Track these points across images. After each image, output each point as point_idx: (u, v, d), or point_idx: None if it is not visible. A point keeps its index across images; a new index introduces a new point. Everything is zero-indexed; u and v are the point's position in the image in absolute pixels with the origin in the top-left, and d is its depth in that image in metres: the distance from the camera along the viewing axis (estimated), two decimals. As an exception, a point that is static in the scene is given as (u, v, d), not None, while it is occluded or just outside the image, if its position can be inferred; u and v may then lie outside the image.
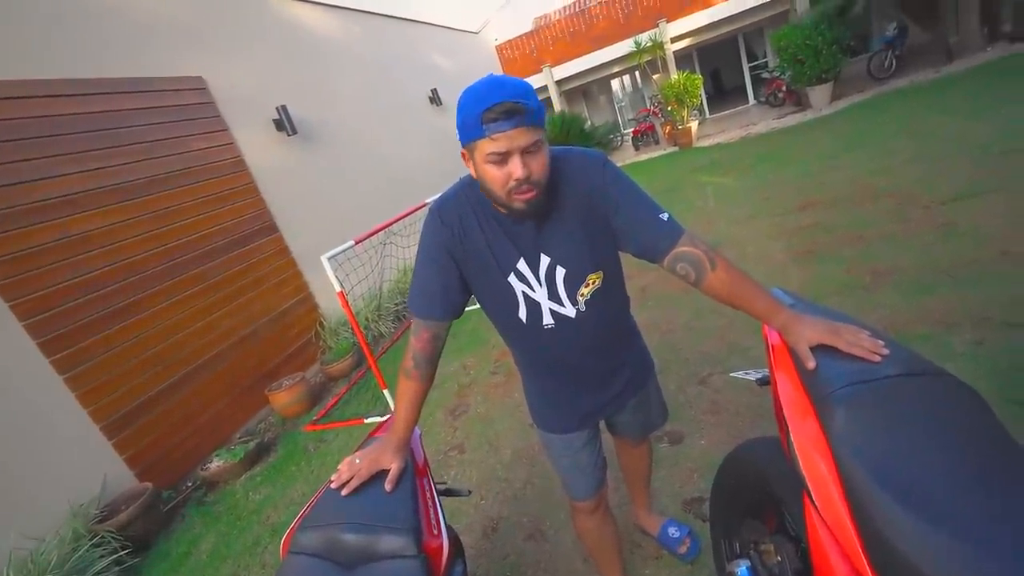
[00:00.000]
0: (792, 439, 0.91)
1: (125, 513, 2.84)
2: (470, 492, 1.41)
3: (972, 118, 5.41)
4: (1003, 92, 5.95)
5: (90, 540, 2.68)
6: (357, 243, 3.35)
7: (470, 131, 0.95)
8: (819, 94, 9.43)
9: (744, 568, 1.06)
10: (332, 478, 1.13)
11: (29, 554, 2.52)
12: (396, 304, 5.49)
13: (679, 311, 3.39)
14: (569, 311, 1.14)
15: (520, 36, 13.71)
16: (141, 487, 3.11)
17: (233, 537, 2.74)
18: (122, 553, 2.69)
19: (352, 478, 1.11)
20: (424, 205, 4.56)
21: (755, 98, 13.24)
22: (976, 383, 0.86)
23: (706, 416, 2.34)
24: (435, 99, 8.42)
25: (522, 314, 1.16)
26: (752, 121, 10.76)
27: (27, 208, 3.00)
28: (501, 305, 1.18)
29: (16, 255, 2.91)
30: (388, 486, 1.10)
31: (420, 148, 7.65)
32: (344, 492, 1.10)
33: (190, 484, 3.47)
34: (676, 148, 10.72)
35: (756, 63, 13.26)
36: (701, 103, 12.95)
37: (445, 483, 1.34)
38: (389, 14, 7.66)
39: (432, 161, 7.73)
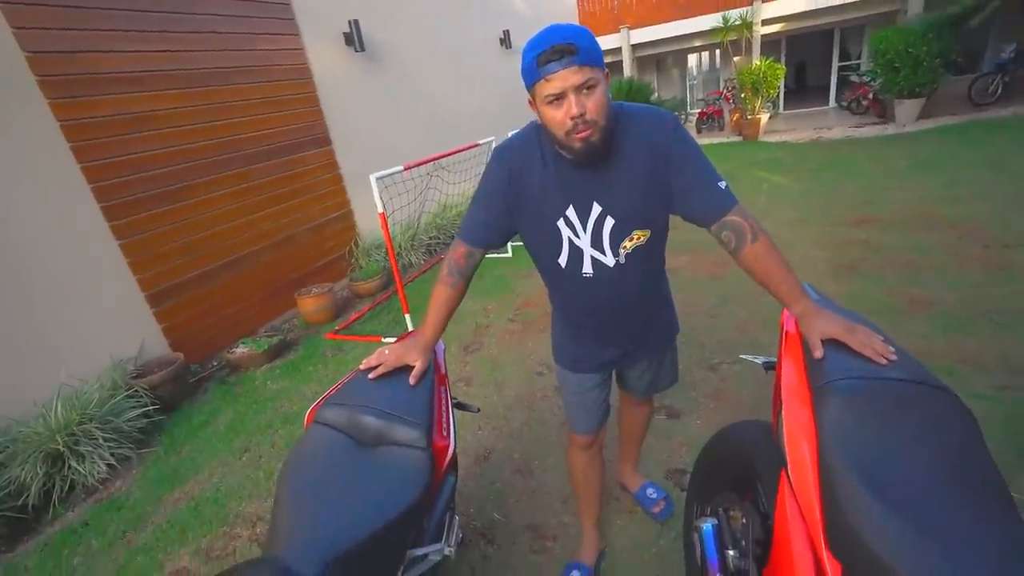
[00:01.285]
0: (783, 419, 0.97)
1: (158, 375, 3.11)
2: (479, 409, 1.53)
3: (1066, 164, 5.04)
4: (1109, 142, 5.49)
5: (125, 391, 2.96)
6: (407, 169, 3.42)
7: (530, 75, 1.00)
8: (907, 109, 8.81)
9: (709, 525, 1.14)
10: (362, 363, 1.26)
11: (74, 391, 2.81)
12: (430, 237, 5.60)
13: (705, 297, 3.39)
14: (609, 260, 1.19)
15: (604, -10, 13.05)
16: (173, 356, 3.38)
17: (249, 417, 2.99)
18: (150, 408, 2.97)
19: (380, 365, 1.24)
20: (476, 145, 4.58)
21: (836, 101, 12.42)
22: (988, 424, 0.88)
23: (707, 400, 2.40)
24: (505, 41, 8.18)
25: (562, 259, 1.23)
26: (827, 125, 10.18)
27: (92, 78, 3.09)
28: (544, 247, 1.25)
29: (83, 121, 3.05)
30: (412, 380, 1.22)
31: (483, 90, 7.54)
32: (371, 376, 1.22)
33: (215, 364, 3.75)
34: (740, 138, 10.28)
35: (847, 63, 12.37)
36: (778, 96, 12.26)
37: (456, 398, 1.45)
38: (475, -58, 7.38)
39: (492, 106, 7.63)
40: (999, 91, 8.74)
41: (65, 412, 2.66)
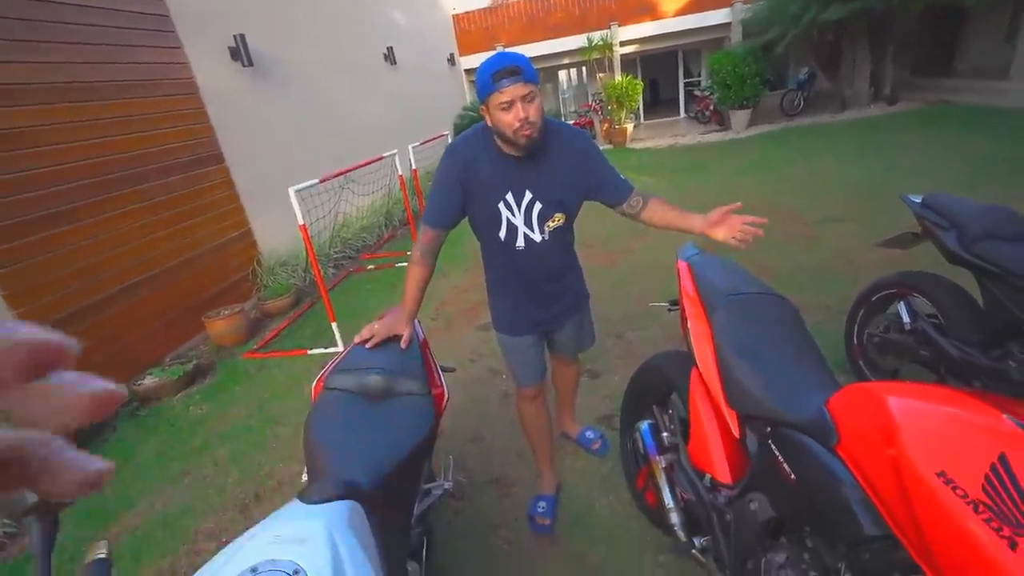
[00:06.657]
0: (690, 331, 1.39)
1: (59, 414, 2.85)
2: (455, 368, 1.78)
3: (850, 160, 6.56)
4: (876, 144, 7.23)
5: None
6: (322, 182, 3.50)
7: (486, 88, 1.33)
8: (739, 118, 10.57)
9: (646, 424, 1.54)
10: (355, 338, 1.46)
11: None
12: (336, 251, 5.58)
13: (602, 282, 3.93)
14: (537, 236, 1.55)
15: (478, 10, 13.72)
16: (73, 393, 3.09)
17: (179, 442, 2.87)
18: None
19: (372, 337, 1.44)
20: (381, 158, 4.75)
21: (685, 112, 14.39)
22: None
23: (619, 360, 2.88)
24: (390, 57, 8.35)
25: (501, 234, 1.55)
26: (681, 132, 11.78)
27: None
28: (488, 224, 1.56)
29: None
30: (403, 344, 1.45)
31: (374, 103, 7.63)
32: (368, 346, 1.43)
33: (118, 399, 3.46)
34: (611, 146, 11.46)
35: (690, 80, 14.40)
36: (638, 108, 13.85)
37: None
38: (353, -40, 7.48)
39: (384, 119, 7.75)
40: (802, 104, 10.88)
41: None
